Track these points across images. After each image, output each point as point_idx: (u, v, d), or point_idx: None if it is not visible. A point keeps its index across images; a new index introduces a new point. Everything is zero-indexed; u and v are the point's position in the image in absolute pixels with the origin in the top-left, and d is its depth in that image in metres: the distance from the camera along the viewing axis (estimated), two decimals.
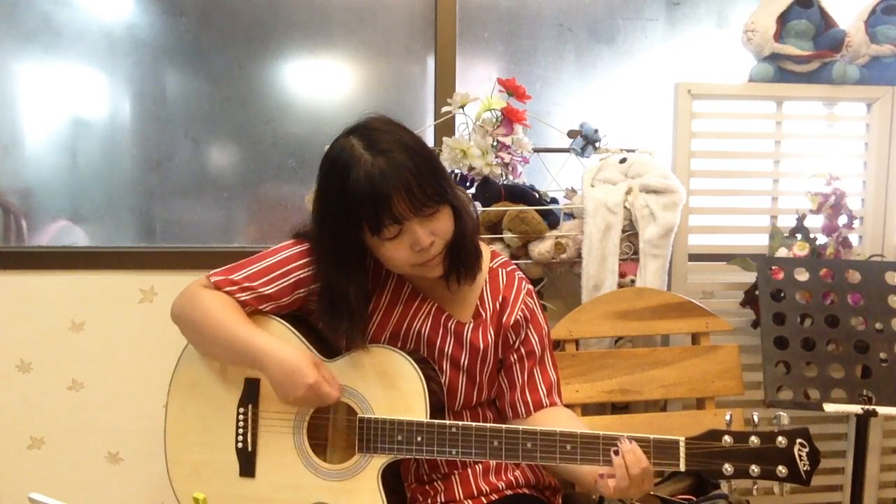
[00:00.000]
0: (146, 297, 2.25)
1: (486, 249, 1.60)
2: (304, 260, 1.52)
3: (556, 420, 1.51)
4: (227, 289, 1.51)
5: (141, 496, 2.29)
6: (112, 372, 2.25)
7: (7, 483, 2.24)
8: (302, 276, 1.52)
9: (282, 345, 1.44)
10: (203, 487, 1.51)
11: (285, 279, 1.52)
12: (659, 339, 2.23)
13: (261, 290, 1.51)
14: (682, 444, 1.35)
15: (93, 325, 2.23)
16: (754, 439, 1.33)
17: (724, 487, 1.38)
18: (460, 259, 1.48)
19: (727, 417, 1.37)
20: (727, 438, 1.33)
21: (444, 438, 1.42)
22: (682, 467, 1.34)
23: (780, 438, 1.32)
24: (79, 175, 2.32)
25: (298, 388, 1.41)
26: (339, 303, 1.47)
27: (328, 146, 1.44)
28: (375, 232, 1.37)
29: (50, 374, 2.23)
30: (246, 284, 1.51)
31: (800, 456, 1.32)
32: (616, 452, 1.35)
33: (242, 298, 1.51)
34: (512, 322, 1.54)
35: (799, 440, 1.32)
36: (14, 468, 2.24)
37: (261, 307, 1.53)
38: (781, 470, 1.32)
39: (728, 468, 1.33)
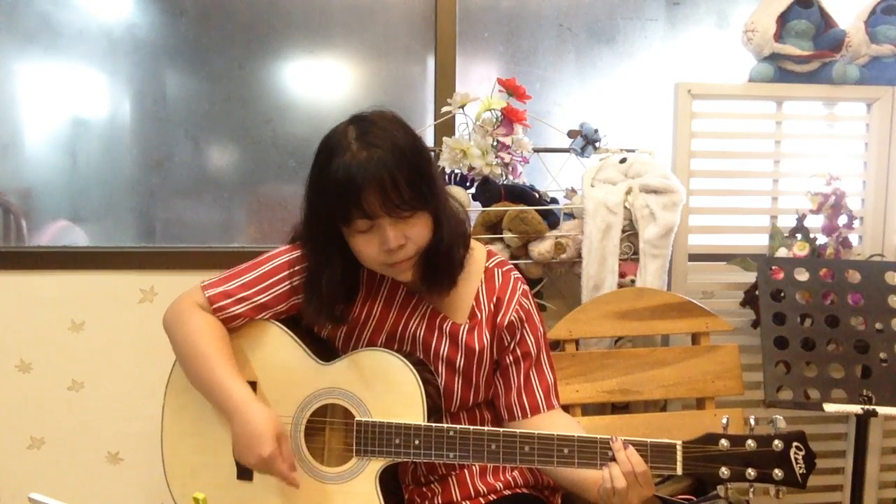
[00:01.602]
0: (146, 297, 2.25)
1: (482, 249, 1.60)
2: (299, 266, 1.51)
3: (556, 425, 1.50)
4: (221, 303, 1.50)
5: (141, 496, 2.30)
6: (112, 372, 2.25)
7: (7, 483, 2.24)
8: (297, 282, 1.51)
9: (253, 404, 1.42)
10: (200, 489, 1.51)
11: (280, 286, 1.52)
12: (659, 339, 2.23)
13: (256, 299, 1.51)
14: (678, 447, 1.34)
15: (93, 325, 2.24)
16: (750, 443, 1.32)
17: (721, 490, 1.38)
18: (432, 269, 1.46)
19: (724, 421, 1.36)
20: (724, 442, 1.33)
21: (441, 442, 1.42)
22: (679, 471, 1.34)
23: (776, 442, 1.32)
24: (79, 175, 2.32)
25: (251, 456, 1.40)
26: (312, 285, 1.48)
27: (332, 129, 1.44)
28: (344, 222, 1.38)
29: (50, 374, 2.23)
30: (241, 295, 1.51)
31: (796, 459, 1.31)
32: (613, 458, 1.35)
33: (238, 311, 1.51)
34: (506, 323, 1.53)
35: (795, 443, 1.32)
36: (14, 468, 2.24)
37: (257, 317, 1.53)
38: (777, 473, 1.31)
39: (724, 471, 1.32)
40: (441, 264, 1.46)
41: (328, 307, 1.48)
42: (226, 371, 1.45)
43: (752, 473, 1.32)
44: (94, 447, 2.27)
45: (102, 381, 2.25)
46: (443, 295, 1.51)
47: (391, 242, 1.37)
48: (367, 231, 1.38)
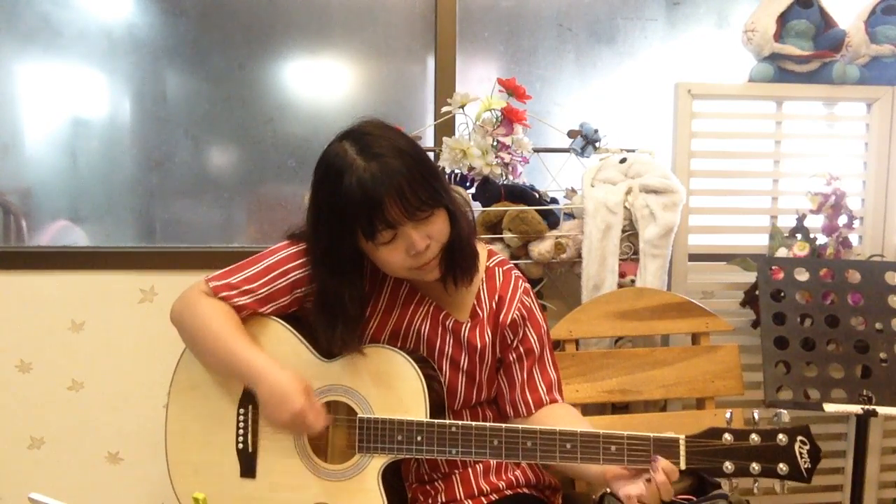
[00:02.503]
0: (146, 297, 2.25)
1: (482, 248, 1.61)
2: (301, 260, 1.52)
3: (557, 417, 1.51)
4: (226, 293, 1.51)
5: (141, 496, 2.29)
6: (112, 372, 2.25)
7: (7, 483, 2.24)
8: (299, 276, 1.52)
9: (275, 367, 1.44)
10: (204, 488, 1.51)
11: (283, 280, 1.53)
12: (659, 339, 2.23)
13: (260, 292, 1.52)
14: (682, 442, 1.34)
15: (93, 325, 2.23)
16: (755, 437, 1.32)
17: (725, 486, 1.38)
18: (457, 261, 1.48)
19: (727, 415, 1.36)
20: (727, 436, 1.33)
21: (443, 438, 1.42)
22: (683, 465, 1.34)
23: (780, 436, 1.32)
24: (79, 175, 2.32)
25: (283, 414, 1.41)
26: (334, 307, 1.47)
27: (323, 151, 1.44)
28: (370, 237, 1.37)
29: (50, 374, 2.23)
30: (245, 287, 1.52)
31: (800, 453, 1.31)
32: (649, 480, 1.34)
33: (242, 302, 1.52)
34: (509, 321, 1.54)
35: (800, 437, 1.32)
36: (14, 468, 2.24)
37: (261, 309, 1.54)
38: (782, 468, 1.31)
39: (728, 466, 1.32)
40: (464, 255, 1.48)
41: (357, 324, 1.48)
42: (242, 343, 1.46)
43: (757, 468, 1.32)
44: (94, 447, 2.27)
45: (102, 381, 2.25)
46: (470, 280, 1.51)
47: (419, 245, 1.38)
48: (390, 241, 1.39)
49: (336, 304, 1.46)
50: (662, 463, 1.33)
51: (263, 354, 1.46)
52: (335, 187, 1.36)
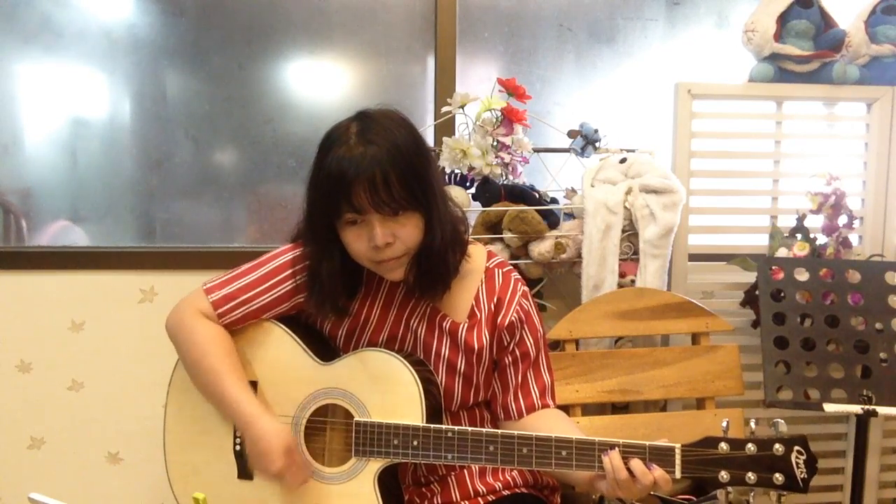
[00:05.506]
0: (146, 297, 2.25)
1: (482, 250, 1.60)
2: (301, 265, 1.51)
3: (549, 424, 1.51)
4: (225, 307, 1.51)
5: (141, 496, 2.30)
6: (112, 372, 2.25)
7: (7, 483, 2.24)
8: (299, 281, 1.51)
9: (262, 419, 1.43)
10: (201, 488, 1.51)
11: (283, 286, 1.53)
12: (659, 339, 2.23)
13: (259, 300, 1.52)
14: (677, 451, 1.33)
15: (93, 325, 2.24)
16: (751, 446, 1.31)
17: (721, 495, 1.37)
18: (424, 272, 1.46)
19: (724, 424, 1.35)
20: (723, 445, 1.32)
21: (439, 443, 1.42)
22: (678, 474, 1.33)
23: (777, 446, 1.30)
24: (79, 175, 2.32)
25: (263, 470, 1.44)
26: (314, 276, 1.48)
27: None
28: (336, 216, 1.39)
29: (50, 374, 2.23)
30: (243, 297, 1.51)
31: (797, 464, 1.30)
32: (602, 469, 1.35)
33: (241, 314, 1.52)
34: (507, 323, 1.53)
35: (796, 448, 1.30)
36: (14, 468, 2.24)
37: (261, 317, 1.54)
38: (778, 478, 1.30)
39: (724, 475, 1.31)
40: (432, 268, 1.46)
41: (331, 297, 1.48)
42: (234, 385, 1.46)
43: (753, 478, 1.30)
44: (94, 447, 2.27)
45: (102, 381, 2.25)
46: (437, 297, 1.51)
47: (378, 239, 1.38)
48: (356, 224, 1.39)
49: (314, 273, 1.48)
50: (657, 472, 1.33)
51: (253, 401, 1.46)
52: (323, 158, 1.39)
